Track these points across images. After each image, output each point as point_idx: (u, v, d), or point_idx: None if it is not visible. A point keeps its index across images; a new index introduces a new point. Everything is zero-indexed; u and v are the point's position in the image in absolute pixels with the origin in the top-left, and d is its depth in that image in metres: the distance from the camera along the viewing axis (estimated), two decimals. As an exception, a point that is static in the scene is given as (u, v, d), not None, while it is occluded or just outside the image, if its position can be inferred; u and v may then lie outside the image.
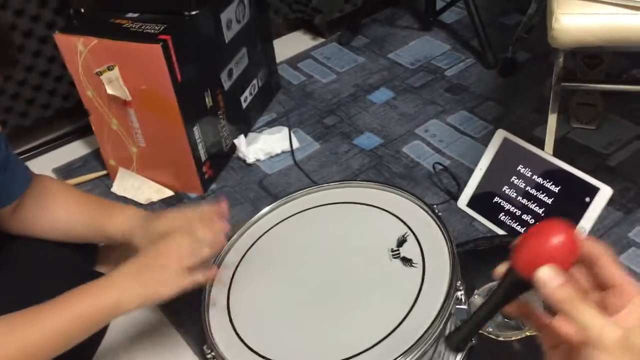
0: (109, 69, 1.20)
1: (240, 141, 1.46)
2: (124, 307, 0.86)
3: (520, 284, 0.50)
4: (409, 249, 0.93)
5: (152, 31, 1.17)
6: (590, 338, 0.47)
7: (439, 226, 0.94)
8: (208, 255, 0.90)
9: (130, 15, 1.23)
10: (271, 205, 1.06)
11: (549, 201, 1.15)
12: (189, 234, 0.91)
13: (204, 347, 0.89)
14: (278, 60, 1.69)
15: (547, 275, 0.47)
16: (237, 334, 0.89)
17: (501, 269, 0.52)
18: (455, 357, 0.89)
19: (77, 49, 1.20)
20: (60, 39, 1.20)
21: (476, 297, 1.02)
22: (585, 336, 0.47)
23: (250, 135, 1.51)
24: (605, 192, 1.10)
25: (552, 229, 0.48)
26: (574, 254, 0.49)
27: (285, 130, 1.50)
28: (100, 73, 1.21)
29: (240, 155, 1.46)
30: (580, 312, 0.47)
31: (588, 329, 0.47)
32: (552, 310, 0.50)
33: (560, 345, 0.52)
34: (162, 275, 0.87)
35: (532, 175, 1.18)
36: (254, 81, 1.54)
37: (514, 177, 1.20)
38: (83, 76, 1.24)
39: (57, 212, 1.01)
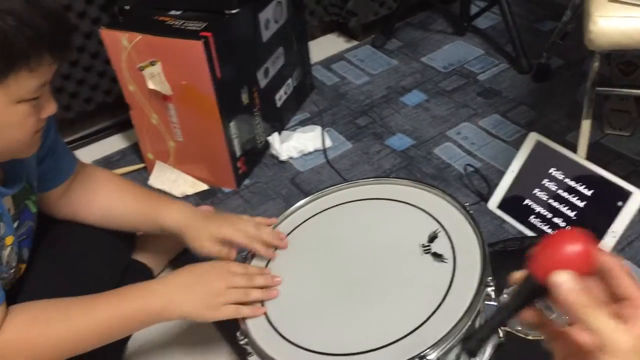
0: (152, 64, 1.24)
1: (274, 138, 1.49)
2: (166, 314, 0.90)
3: (536, 290, 0.51)
4: (440, 245, 0.94)
5: (194, 28, 1.21)
6: (602, 342, 0.48)
7: (470, 223, 0.95)
8: (257, 300, 0.92)
9: (173, 12, 1.28)
10: (306, 199, 1.08)
11: (581, 204, 1.16)
12: (248, 272, 0.94)
13: (237, 334, 0.91)
14: (312, 61, 1.72)
15: (563, 280, 0.49)
16: (270, 322, 0.91)
17: (517, 275, 0.54)
18: (484, 352, 0.90)
19: (121, 44, 1.24)
20: (106, 34, 1.25)
21: (505, 296, 1.03)
22: (597, 341, 0.48)
23: (284, 133, 1.54)
24: (638, 197, 1.10)
25: (570, 238, 0.50)
26: (590, 263, 0.50)
27: (318, 129, 1.53)
28: (142, 68, 1.25)
29: (274, 152, 1.49)
30: (593, 316, 0.49)
31: (600, 333, 0.48)
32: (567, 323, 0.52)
33: (574, 353, 0.53)
34: (210, 301, 0.90)
35: (564, 178, 1.18)
36: (289, 81, 1.57)
37: (545, 179, 1.21)
38: (126, 71, 1.28)
39: (110, 199, 1.05)
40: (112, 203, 1.05)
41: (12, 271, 0.90)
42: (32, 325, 0.82)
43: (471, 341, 0.55)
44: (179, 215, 1.02)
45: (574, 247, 0.50)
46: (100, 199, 1.05)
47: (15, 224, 0.89)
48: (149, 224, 1.06)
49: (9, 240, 0.86)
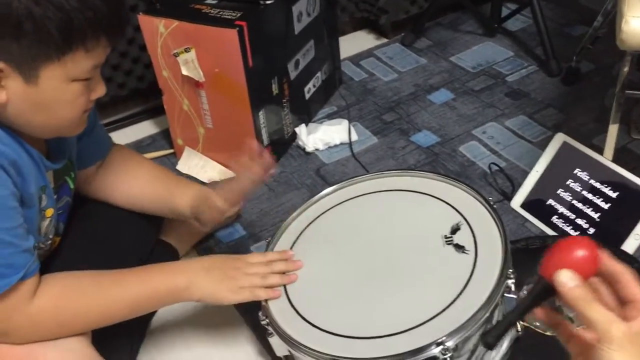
0: (186, 50, 1.27)
1: (301, 130, 1.51)
2: (189, 293, 0.93)
3: (545, 288, 0.59)
4: (462, 237, 0.95)
5: (229, 17, 1.24)
6: (599, 333, 0.53)
7: (493, 217, 0.97)
8: (276, 284, 0.94)
9: (209, 1, 1.31)
10: (332, 187, 1.10)
11: (605, 206, 1.16)
12: (267, 260, 0.97)
13: (259, 313, 0.93)
14: (342, 56, 1.74)
15: (564, 277, 0.56)
16: (291, 303, 0.93)
17: (532, 280, 0.61)
18: (501, 345, 0.91)
19: (158, 31, 1.27)
20: (143, 20, 1.28)
21: (524, 292, 1.04)
22: (595, 333, 0.54)
23: (311, 125, 1.56)
24: (662, 201, 1.10)
25: (576, 244, 0.58)
26: (593, 265, 0.58)
27: (345, 122, 1.55)
28: (177, 54, 1.28)
29: (300, 143, 1.52)
30: (590, 308, 0.54)
31: (596, 323, 0.54)
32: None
33: (583, 353, 0.58)
34: (228, 283, 0.94)
35: (589, 179, 1.19)
36: (318, 74, 1.59)
37: (570, 180, 1.21)
38: (161, 57, 1.32)
39: (133, 182, 1.08)
40: (134, 186, 1.08)
41: (48, 243, 0.93)
42: (64, 294, 0.85)
43: (489, 335, 0.61)
44: (192, 198, 1.05)
45: (578, 252, 0.58)
46: (125, 182, 1.08)
47: (54, 198, 0.92)
48: (165, 208, 1.09)
49: (49, 212, 0.90)
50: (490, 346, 0.61)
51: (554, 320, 0.62)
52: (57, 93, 0.77)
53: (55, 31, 0.71)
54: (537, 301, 0.60)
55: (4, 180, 0.75)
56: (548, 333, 0.98)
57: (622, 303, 0.58)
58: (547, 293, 0.59)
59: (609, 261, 0.59)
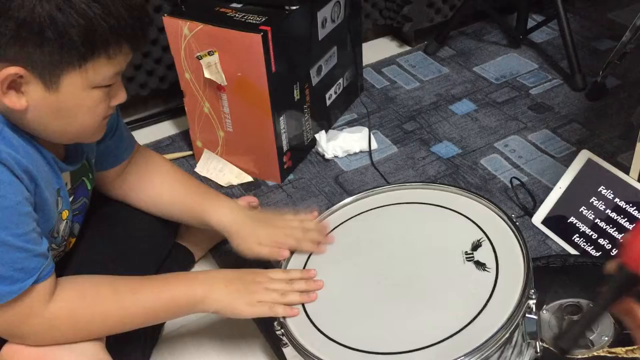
0: (209, 54, 1.26)
1: (321, 136, 1.50)
2: (206, 304, 0.92)
3: (630, 279, 0.50)
4: (484, 254, 0.94)
5: (254, 22, 1.23)
6: None
7: (515, 235, 0.95)
8: (294, 303, 0.93)
9: (234, 5, 1.30)
10: (351, 198, 1.09)
11: (630, 227, 1.13)
12: (288, 278, 0.96)
13: (274, 323, 0.92)
14: (364, 63, 1.72)
15: None
16: (307, 314, 0.92)
17: (612, 265, 0.53)
18: (521, 365, 0.89)
19: (182, 33, 1.27)
20: (168, 21, 1.28)
21: (544, 312, 1.02)
22: None
23: (331, 132, 1.55)
24: (690, 224, 1.08)
25: None
26: None
27: (365, 130, 1.54)
28: (200, 57, 1.28)
29: (320, 150, 1.51)
30: None
31: None
32: None
33: None
34: (247, 297, 0.92)
35: (614, 198, 1.17)
36: (340, 80, 1.58)
37: (593, 197, 1.19)
38: (184, 59, 1.31)
39: (160, 188, 1.08)
40: (161, 193, 1.08)
41: (63, 244, 0.93)
42: (81, 299, 0.85)
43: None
44: (227, 218, 1.04)
45: None
46: (152, 186, 1.07)
47: (70, 199, 0.92)
48: (194, 219, 1.08)
49: (65, 214, 0.90)
50: (565, 352, 0.54)
51: (627, 307, 0.55)
52: (78, 100, 0.76)
53: (77, 38, 0.70)
54: (620, 294, 0.53)
55: (16, 186, 0.75)
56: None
57: None
58: (632, 284, 0.51)
59: None
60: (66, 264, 0.96)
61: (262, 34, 1.20)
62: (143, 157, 1.08)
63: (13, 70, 0.71)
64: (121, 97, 0.83)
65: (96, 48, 0.72)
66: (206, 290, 0.92)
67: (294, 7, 1.27)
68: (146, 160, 1.08)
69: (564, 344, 0.53)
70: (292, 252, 1.02)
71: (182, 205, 1.07)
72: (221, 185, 1.44)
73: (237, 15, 1.26)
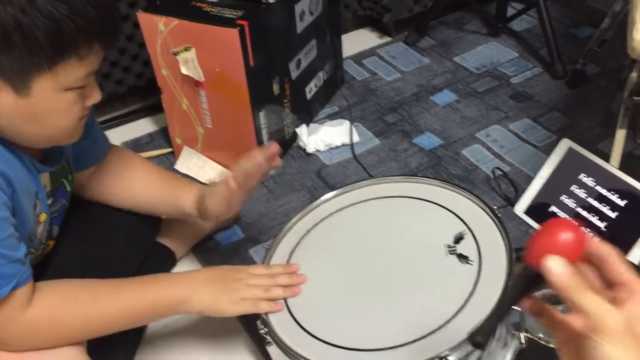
0: (186, 49, 1.24)
1: (302, 130, 1.49)
2: (188, 306, 0.91)
3: (533, 277, 0.55)
4: (466, 247, 0.93)
5: (231, 16, 1.21)
6: (593, 323, 0.50)
7: (497, 227, 0.95)
8: (278, 298, 0.92)
9: (210, -1, 1.28)
10: (332, 193, 1.08)
11: (613, 215, 1.14)
12: (270, 272, 0.94)
13: (257, 322, 0.92)
14: (344, 55, 1.71)
15: (554, 264, 0.52)
16: (290, 313, 0.92)
17: (518, 267, 0.58)
18: (505, 357, 0.89)
19: (157, 29, 1.25)
20: (142, 17, 1.26)
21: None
22: (589, 322, 0.50)
23: (312, 125, 1.54)
24: (670, 210, 1.08)
25: (560, 226, 0.54)
26: (580, 248, 0.54)
27: (347, 123, 1.53)
28: (177, 53, 1.26)
29: (301, 144, 1.49)
30: (584, 298, 0.51)
31: (590, 313, 0.50)
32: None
33: (570, 340, 0.54)
34: (230, 295, 0.91)
35: (595, 186, 1.17)
36: (320, 73, 1.57)
37: (574, 186, 1.19)
38: (160, 55, 1.29)
39: (134, 183, 1.06)
40: (136, 187, 1.06)
41: (41, 247, 0.91)
42: (60, 303, 0.84)
43: (478, 334, 0.57)
44: (198, 197, 1.03)
45: (563, 235, 0.54)
46: (125, 182, 1.06)
47: (50, 201, 0.90)
48: (169, 208, 1.07)
49: (42, 217, 0.88)
50: (480, 346, 0.57)
51: (537, 307, 0.59)
52: (50, 103, 0.74)
53: (45, 41, 0.68)
54: (525, 292, 0.57)
55: None
56: (552, 345, 0.97)
57: (608, 285, 0.55)
58: (535, 282, 0.55)
59: (594, 243, 0.55)
60: (45, 268, 0.94)
61: (239, 28, 1.18)
62: (114, 154, 1.06)
63: None
64: (95, 97, 0.81)
65: (65, 49, 0.70)
66: (188, 291, 0.91)
67: (271, 1, 1.26)
68: (118, 158, 1.06)
69: (479, 338, 0.57)
70: (267, 252, 1.01)
71: (156, 196, 1.06)
72: (202, 182, 1.42)
73: (213, 9, 1.24)
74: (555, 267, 0.52)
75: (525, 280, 0.56)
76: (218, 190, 0.99)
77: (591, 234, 0.54)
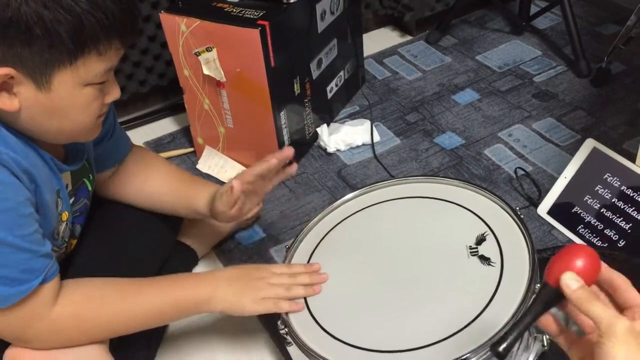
0: (208, 50, 1.25)
1: (323, 130, 1.49)
2: (212, 304, 0.92)
3: (551, 294, 0.61)
4: (488, 248, 0.93)
5: (252, 16, 1.21)
6: (603, 328, 0.55)
7: (520, 228, 0.94)
8: (299, 296, 0.92)
9: (231, 0, 1.28)
10: (353, 193, 1.08)
11: (639, 216, 1.12)
12: (292, 272, 0.95)
13: (278, 322, 0.92)
14: (365, 54, 1.71)
15: (569, 279, 0.59)
16: (311, 313, 0.92)
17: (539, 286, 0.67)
18: (528, 358, 0.88)
19: (179, 29, 1.26)
20: (165, 18, 1.26)
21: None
22: (599, 329, 0.56)
23: (333, 125, 1.53)
24: (698, 212, 1.06)
25: (578, 252, 0.61)
26: (595, 273, 0.61)
27: (367, 123, 1.52)
28: (198, 53, 1.26)
29: (322, 144, 1.49)
30: (594, 306, 0.57)
31: (600, 319, 0.56)
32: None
33: (586, 357, 0.61)
34: (252, 294, 0.92)
35: (620, 186, 1.15)
36: (341, 73, 1.57)
37: (599, 186, 1.17)
38: (182, 55, 1.30)
39: (150, 182, 1.07)
40: (152, 187, 1.07)
41: (64, 246, 0.93)
42: (86, 302, 0.85)
43: (499, 345, 0.61)
44: (211, 196, 1.02)
45: (581, 259, 0.60)
46: (142, 181, 1.07)
47: (72, 200, 0.91)
48: (184, 208, 1.07)
49: (65, 215, 0.89)
50: (501, 356, 0.61)
51: (557, 327, 0.65)
52: (71, 98, 0.75)
53: (66, 35, 0.69)
54: (545, 308, 0.62)
55: (17, 187, 0.74)
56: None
57: (620, 310, 0.61)
58: (554, 299, 0.62)
59: (606, 270, 0.62)
60: (68, 266, 0.96)
61: (260, 28, 1.18)
62: (134, 155, 1.07)
63: (3, 71, 0.70)
64: (115, 93, 0.81)
65: (86, 44, 0.71)
66: (211, 290, 0.92)
67: (292, 1, 1.26)
68: (138, 158, 1.07)
69: (498, 350, 0.61)
70: (287, 251, 1.01)
71: (171, 196, 1.07)
72: (223, 182, 1.43)
73: (234, 10, 1.24)
74: (570, 281, 0.59)
75: (544, 297, 0.62)
76: (224, 194, 0.99)
77: (604, 263, 0.63)
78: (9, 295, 0.76)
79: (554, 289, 0.61)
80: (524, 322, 0.62)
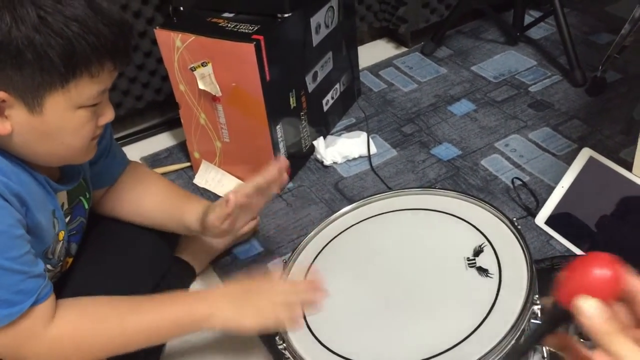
0: (203, 65, 1.25)
1: (319, 143, 1.49)
2: (212, 322, 0.91)
3: (562, 316, 0.51)
4: (486, 260, 0.92)
5: (246, 31, 1.22)
6: None
7: (517, 239, 0.93)
8: (300, 314, 0.91)
9: (226, 15, 1.29)
10: (350, 206, 1.08)
11: (637, 225, 1.12)
12: (293, 289, 0.94)
13: (276, 338, 0.91)
14: (360, 66, 1.71)
15: (588, 307, 0.49)
16: (308, 327, 0.91)
17: (547, 301, 0.55)
18: (527, 371, 0.88)
19: (174, 45, 1.26)
20: (160, 34, 1.27)
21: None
22: None
23: (329, 137, 1.54)
24: (695, 220, 1.06)
25: (597, 262, 0.49)
26: (617, 289, 0.49)
27: (364, 135, 1.52)
28: (194, 69, 1.26)
29: (318, 156, 1.49)
30: (617, 343, 0.48)
31: (621, 358, 0.48)
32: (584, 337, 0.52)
33: None
34: (252, 310, 0.91)
35: (617, 195, 1.15)
36: (337, 85, 1.57)
37: (596, 196, 1.17)
38: (178, 71, 1.30)
39: (143, 198, 1.07)
40: (145, 203, 1.07)
41: (59, 265, 0.92)
42: (83, 321, 0.84)
43: None
44: (201, 212, 1.01)
45: (601, 273, 0.49)
46: (135, 197, 1.06)
47: (67, 219, 0.91)
48: (173, 224, 1.06)
49: (61, 235, 0.88)
50: None
51: (563, 343, 0.57)
52: (63, 121, 0.75)
53: (57, 59, 0.69)
54: (554, 328, 0.54)
55: (7, 210, 0.74)
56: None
57: (638, 323, 0.52)
58: (563, 320, 0.52)
59: (630, 280, 0.51)
60: (63, 285, 0.95)
61: (254, 43, 1.19)
62: (129, 171, 1.07)
63: None
64: (109, 115, 0.81)
65: (77, 67, 0.71)
66: (210, 308, 0.91)
67: (287, 15, 1.26)
68: (132, 174, 1.07)
69: None
70: (285, 265, 1.01)
71: (164, 212, 1.06)
72: (220, 196, 1.43)
73: (229, 25, 1.25)
74: (589, 309, 0.49)
75: (555, 317, 0.53)
76: (219, 207, 0.99)
77: (628, 270, 0.51)
78: (1, 317, 0.75)
79: (565, 310, 0.50)
80: (530, 341, 0.57)
